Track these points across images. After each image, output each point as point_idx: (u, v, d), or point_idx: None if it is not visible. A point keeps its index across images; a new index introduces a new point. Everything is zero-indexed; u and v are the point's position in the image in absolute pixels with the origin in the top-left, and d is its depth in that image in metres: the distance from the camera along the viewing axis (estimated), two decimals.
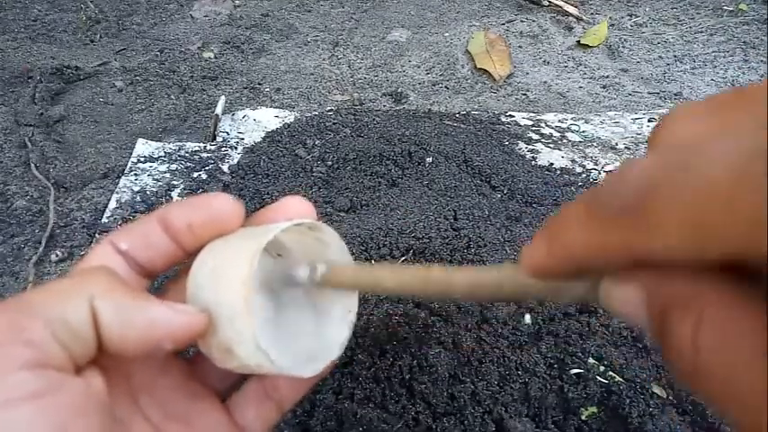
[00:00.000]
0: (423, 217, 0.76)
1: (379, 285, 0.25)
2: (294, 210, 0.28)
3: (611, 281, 0.18)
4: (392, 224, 0.73)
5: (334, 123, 0.98)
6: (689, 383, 0.15)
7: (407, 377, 0.56)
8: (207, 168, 0.90)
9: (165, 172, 0.89)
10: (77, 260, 0.76)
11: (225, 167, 0.90)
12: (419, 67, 1.28)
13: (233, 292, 0.24)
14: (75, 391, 0.21)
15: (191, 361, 0.29)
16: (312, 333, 0.30)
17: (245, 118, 1.02)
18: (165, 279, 0.58)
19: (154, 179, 0.87)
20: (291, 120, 1.01)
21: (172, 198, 0.84)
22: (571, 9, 1.45)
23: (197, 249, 0.26)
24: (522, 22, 1.43)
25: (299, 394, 0.30)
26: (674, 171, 0.14)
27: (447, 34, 1.39)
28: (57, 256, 0.76)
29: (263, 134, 0.97)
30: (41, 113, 1.02)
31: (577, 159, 0.95)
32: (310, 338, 0.29)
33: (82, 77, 1.15)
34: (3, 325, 0.20)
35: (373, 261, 0.68)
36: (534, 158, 0.94)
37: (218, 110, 1.00)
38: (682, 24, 1.44)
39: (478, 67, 1.26)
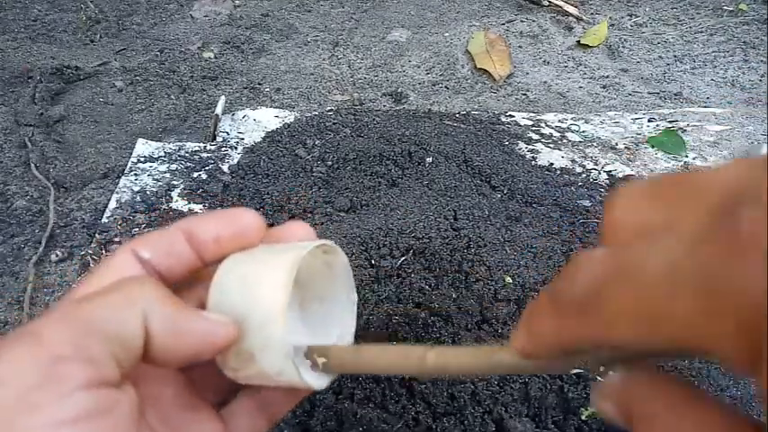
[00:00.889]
0: (423, 217, 0.76)
1: (376, 369, 0.27)
2: (299, 235, 0.29)
3: (596, 396, 0.20)
4: (392, 224, 0.73)
5: (334, 123, 0.98)
6: None
7: (407, 377, 0.56)
8: (207, 168, 0.90)
9: (165, 172, 0.89)
10: (78, 260, 0.76)
11: (225, 167, 0.90)
12: (419, 67, 1.28)
13: (268, 297, 0.24)
14: (124, 407, 0.22)
15: (186, 372, 0.30)
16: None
17: (245, 118, 1.02)
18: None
19: (154, 179, 0.87)
20: (291, 120, 1.01)
21: (172, 198, 0.84)
22: (571, 9, 1.45)
23: (216, 261, 0.27)
24: (522, 22, 1.43)
25: (290, 407, 0.30)
26: (619, 272, 0.15)
27: (447, 34, 1.39)
28: (57, 255, 0.76)
29: (263, 134, 0.97)
30: (41, 113, 1.02)
31: (577, 159, 0.95)
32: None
33: (82, 77, 1.15)
34: (67, 339, 0.20)
35: (373, 261, 0.68)
36: (534, 158, 0.94)
37: (219, 110, 1.00)
38: (682, 24, 1.44)
39: (478, 67, 1.26)
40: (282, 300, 0.24)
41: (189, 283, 0.28)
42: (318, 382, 0.27)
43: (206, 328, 0.24)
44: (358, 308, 0.31)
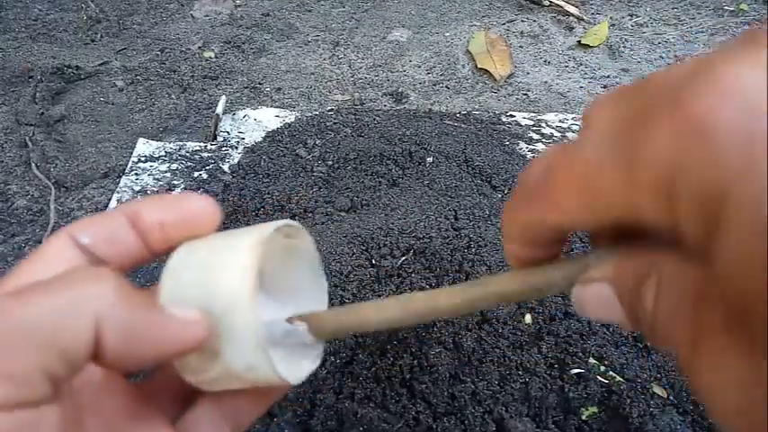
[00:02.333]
0: (423, 217, 0.76)
1: (364, 325, 0.23)
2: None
3: (577, 288, 0.19)
4: (393, 224, 0.73)
5: (334, 123, 0.98)
6: (656, 343, 0.17)
7: (408, 377, 0.56)
8: (207, 168, 0.90)
9: (166, 171, 0.89)
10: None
11: (225, 167, 0.90)
12: (420, 67, 1.28)
13: (231, 282, 0.21)
14: (47, 424, 0.18)
15: (136, 383, 0.26)
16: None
17: (246, 117, 1.02)
18: None
19: (154, 179, 0.87)
20: (292, 119, 1.01)
21: None
22: (572, 9, 1.45)
23: (165, 252, 0.24)
24: (522, 21, 1.43)
25: (257, 414, 0.26)
26: (561, 158, 0.17)
27: (448, 34, 1.39)
28: None
29: (263, 134, 0.97)
30: (42, 113, 1.02)
31: None
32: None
33: (82, 77, 1.15)
34: None
35: (374, 261, 0.68)
36: (535, 158, 0.94)
37: (219, 109, 1.00)
38: (682, 24, 1.43)
39: (479, 66, 1.25)
40: (248, 282, 0.21)
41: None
42: (294, 374, 0.24)
43: (172, 330, 0.20)
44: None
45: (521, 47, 1.35)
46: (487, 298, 0.21)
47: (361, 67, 1.27)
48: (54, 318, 0.18)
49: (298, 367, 0.25)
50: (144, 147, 0.94)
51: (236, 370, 0.22)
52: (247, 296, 0.21)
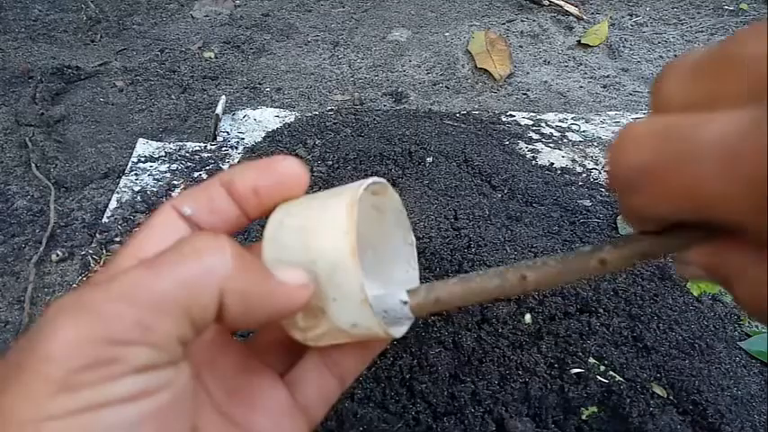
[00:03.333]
0: (423, 217, 0.76)
1: (477, 297, 0.24)
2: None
3: (678, 264, 0.20)
4: None
5: (334, 123, 0.98)
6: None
7: (408, 377, 0.56)
8: (207, 168, 0.90)
9: (166, 172, 0.89)
10: (78, 260, 0.76)
11: (225, 167, 0.90)
12: (419, 67, 1.28)
13: (333, 243, 0.22)
14: (179, 384, 0.20)
15: (245, 340, 0.28)
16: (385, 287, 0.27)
17: (246, 118, 1.02)
18: None
19: (154, 179, 0.88)
20: (292, 119, 1.01)
21: (172, 198, 0.84)
22: (571, 9, 1.45)
23: (260, 216, 0.25)
24: (522, 21, 1.43)
25: (362, 367, 0.28)
26: (667, 156, 0.16)
27: (447, 34, 1.39)
28: (57, 255, 0.76)
29: (263, 134, 0.97)
30: (42, 113, 1.02)
31: (578, 159, 0.95)
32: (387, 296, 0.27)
33: (82, 77, 1.15)
34: (131, 321, 0.18)
35: None
36: (535, 158, 0.94)
37: (219, 110, 1.00)
38: (682, 24, 1.43)
39: (479, 66, 1.25)
40: (350, 243, 0.22)
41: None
42: (396, 329, 0.25)
43: (284, 293, 0.22)
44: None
45: (520, 47, 1.35)
46: (588, 267, 0.21)
47: (360, 67, 1.27)
48: (186, 290, 0.20)
49: (397, 323, 0.25)
50: (144, 147, 0.94)
51: (341, 326, 0.23)
52: (349, 255, 0.22)
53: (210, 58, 1.26)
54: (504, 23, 1.43)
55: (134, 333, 0.18)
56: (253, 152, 0.92)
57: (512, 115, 1.07)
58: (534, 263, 0.22)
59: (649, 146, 0.17)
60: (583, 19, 1.44)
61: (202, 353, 0.25)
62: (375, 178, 0.25)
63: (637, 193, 0.17)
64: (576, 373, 0.57)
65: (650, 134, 0.17)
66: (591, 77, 1.25)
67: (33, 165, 0.90)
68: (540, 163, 0.93)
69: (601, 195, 0.86)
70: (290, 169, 0.24)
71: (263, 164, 0.24)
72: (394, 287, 0.26)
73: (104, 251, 0.75)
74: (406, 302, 0.24)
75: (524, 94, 1.20)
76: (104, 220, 0.80)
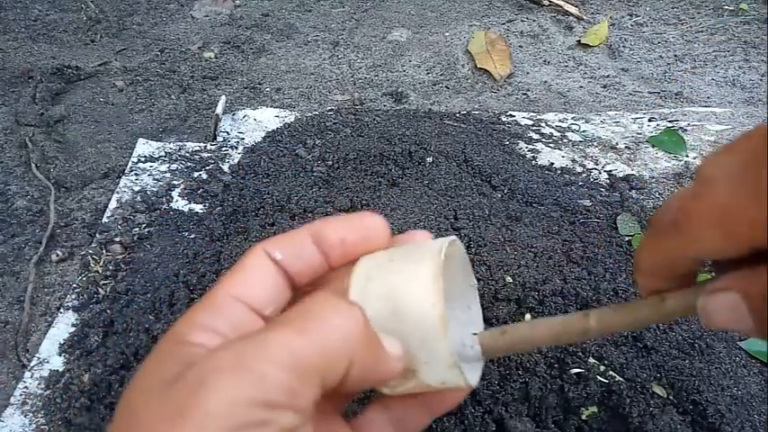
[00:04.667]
0: (423, 217, 0.76)
1: (532, 343, 0.26)
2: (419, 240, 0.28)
3: (704, 298, 0.21)
4: (392, 224, 0.73)
5: (334, 123, 0.98)
6: None
7: None
8: (207, 168, 0.90)
9: (166, 172, 0.89)
10: (78, 260, 0.76)
11: (225, 167, 0.90)
12: (419, 67, 1.28)
13: (423, 313, 0.24)
14: None
15: None
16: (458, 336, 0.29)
17: (246, 118, 1.02)
18: None
19: (154, 179, 0.88)
20: (292, 119, 1.01)
21: (172, 198, 0.84)
22: (571, 9, 1.45)
23: (341, 265, 0.27)
24: (522, 21, 1.43)
25: (426, 424, 0.29)
26: (694, 197, 0.19)
27: (447, 34, 1.39)
28: (57, 255, 0.76)
29: (263, 134, 0.97)
30: (42, 113, 1.02)
31: (578, 159, 0.95)
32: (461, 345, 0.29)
33: (82, 77, 1.15)
34: (282, 386, 0.20)
35: None
36: (534, 158, 0.94)
37: (219, 110, 1.00)
38: (682, 24, 1.43)
39: (479, 66, 1.25)
40: (441, 314, 0.23)
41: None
42: (473, 375, 0.26)
43: (388, 366, 0.23)
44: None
45: (520, 47, 1.35)
46: (646, 319, 0.23)
47: (360, 67, 1.27)
48: (326, 358, 0.21)
49: (473, 370, 0.28)
50: (144, 147, 0.94)
51: (431, 383, 0.25)
52: (439, 325, 0.23)
53: (210, 58, 1.26)
54: (504, 23, 1.43)
55: (284, 397, 0.20)
56: (253, 152, 0.92)
57: (512, 115, 1.07)
58: (599, 309, 0.24)
59: (680, 197, 0.20)
60: (583, 19, 1.44)
61: None
62: (450, 239, 0.27)
63: (674, 235, 0.21)
64: (575, 373, 0.57)
65: (686, 188, 0.21)
66: (591, 77, 1.25)
67: (33, 165, 0.90)
68: (540, 163, 0.93)
69: (601, 195, 0.86)
70: (375, 225, 0.27)
71: (353, 218, 0.27)
72: (461, 328, 0.29)
73: (104, 251, 0.75)
74: (474, 343, 0.26)
75: (524, 94, 1.20)
76: (104, 220, 0.80)
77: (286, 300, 0.26)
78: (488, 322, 0.61)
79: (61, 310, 0.68)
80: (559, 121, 1.06)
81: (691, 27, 1.42)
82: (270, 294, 0.25)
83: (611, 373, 0.58)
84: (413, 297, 0.24)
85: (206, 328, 0.23)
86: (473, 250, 0.70)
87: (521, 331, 0.26)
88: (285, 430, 0.20)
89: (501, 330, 0.26)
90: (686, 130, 1.03)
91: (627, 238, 0.78)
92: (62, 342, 0.64)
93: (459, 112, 1.07)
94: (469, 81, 1.23)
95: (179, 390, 0.19)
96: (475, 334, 0.26)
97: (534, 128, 1.03)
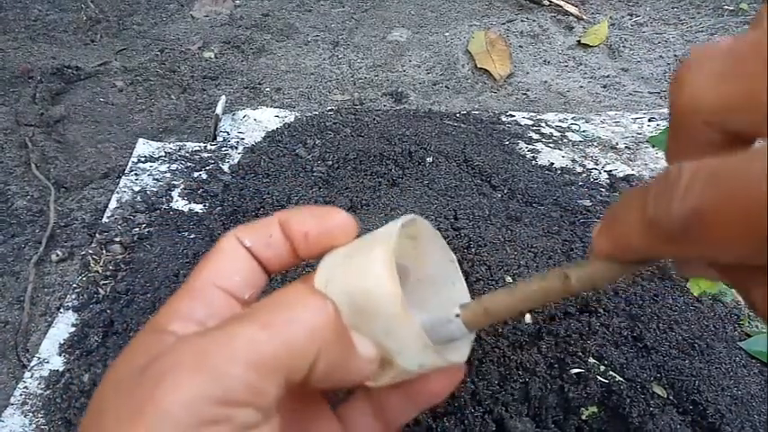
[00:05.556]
0: (423, 217, 0.76)
1: (516, 309, 0.25)
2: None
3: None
4: None
5: (334, 123, 0.98)
6: None
7: None
8: (207, 168, 0.90)
9: (166, 172, 0.89)
10: (78, 260, 0.76)
11: (225, 167, 0.90)
12: (419, 67, 1.28)
13: (380, 304, 0.23)
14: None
15: None
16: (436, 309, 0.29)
17: (246, 118, 1.02)
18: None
19: (154, 179, 0.87)
20: (292, 119, 1.01)
21: (172, 198, 0.84)
22: (571, 9, 1.45)
23: (309, 258, 0.27)
24: (522, 21, 1.43)
25: (410, 415, 0.28)
26: (721, 197, 0.14)
27: (447, 34, 1.39)
28: (57, 255, 0.76)
29: (263, 134, 0.97)
30: (42, 113, 1.02)
31: (578, 159, 0.95)
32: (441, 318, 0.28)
33: (82, 77, 1.15)
34: (243, 384, 0.19)
35: None
36: (534, 158, 0.94)
37: (219, 110, 1.00)
38: (682, 24, 1.43)
39: (479, 66, 1.25)
40: (396, 300, 0.23)
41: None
42: (458, 353, 0.26)
43: (359, 367, 0.23)
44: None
45: (520, 47, 1.35)
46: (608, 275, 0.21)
47: (360, 67, 1.27)
48: (291, 354, 0.20)
49: (459, 347, 0.27)
50: (144, 147, 0.94)
51: (409, 368, 0.25)
52: (400, 312, 0.23)
53: (210, 58, 1.26)
54: (504, 23, 1.43)
55: (245, 395, 0.19)
56: (253, 152, 0.92)
57: (512, 115, 1.07)
58: (577, 263, 0.23)
59: (701, 189, 0.15)
60: (583, 19, 1.44)
61: None
62: (403, 219, 0.26)
63: (686, 239, 0.16)
64: (576, 373, 0.57)
65: (698, 175, 0.15)
66: (591, 77, 1.25)
67: (33, 165, 0.90)
68: (539, 163, 0.93)
69: (601, 195, 0.86)
70: (339, 221, 0.26)
71: (319, 213, 0.26)
72: (446, 306, 0.28)
73: (104, 251, 0.75)
74: (458, 315, 0.25)
75: (524, 94, 1.20)
76: (104, 220, 0.80)
77: (263, 284, 0.26)
78: None
79: (61, 310, 0.68)
80: (559, 121, 1.06)
81: (691, 27, 1.42)
82: (247, 279, 0.25)
83: (611, 373, 0.58)
84: (369, 289, 0.24)
85: (183, 315, 0.22)
86: (473, 250, 0.70)
87: (500, 300, 0.25)
88: (245, 427, 0.19)
89: (478, 302, 0.26)
90: None
91: None
92: (62, 342, 0.64)
93: (459, 112, 1.07)
94: (469, 81, 1.23)
95: (142, 385, 0.19)
96: (458, 314, 0.26)
97: (534, 128, 1.03)
